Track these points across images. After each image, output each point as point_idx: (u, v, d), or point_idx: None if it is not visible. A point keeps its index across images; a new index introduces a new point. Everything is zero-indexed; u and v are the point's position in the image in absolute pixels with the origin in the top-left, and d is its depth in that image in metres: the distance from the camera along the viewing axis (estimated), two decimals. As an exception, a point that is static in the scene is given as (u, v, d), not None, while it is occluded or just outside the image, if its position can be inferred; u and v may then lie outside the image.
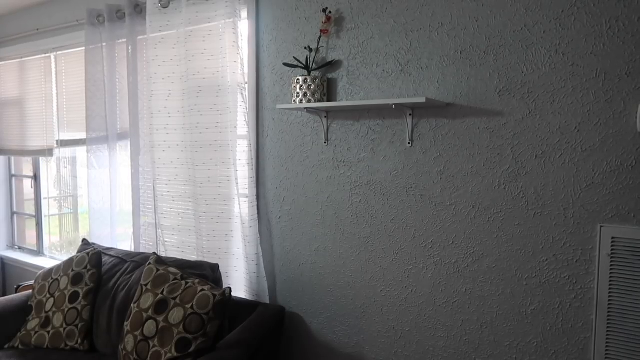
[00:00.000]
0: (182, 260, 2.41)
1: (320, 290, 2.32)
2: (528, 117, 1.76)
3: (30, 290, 2.65)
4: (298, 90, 2.15)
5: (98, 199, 3.17)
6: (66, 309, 2.42)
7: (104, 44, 2.99)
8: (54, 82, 3.56)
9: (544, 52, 1.72)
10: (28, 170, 4.09)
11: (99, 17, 2.99)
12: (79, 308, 2.41)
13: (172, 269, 2.23)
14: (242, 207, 2.47)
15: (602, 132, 1.64)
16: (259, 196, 2.50)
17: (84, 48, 3.07)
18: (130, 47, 2.87)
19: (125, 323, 2.19)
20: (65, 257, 2.82)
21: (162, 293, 2.14)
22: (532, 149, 1.76)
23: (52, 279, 2.56)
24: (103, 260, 2.59)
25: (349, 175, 2.20)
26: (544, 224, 1.75)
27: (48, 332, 2.41)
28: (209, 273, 2.32)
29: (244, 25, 2.48)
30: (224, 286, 2.49)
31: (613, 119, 1.62)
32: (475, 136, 1.88)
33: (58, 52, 3.52)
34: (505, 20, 1.79)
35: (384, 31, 2.06)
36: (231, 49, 2.40)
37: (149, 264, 2.29)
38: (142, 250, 2.86)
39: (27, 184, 4.07)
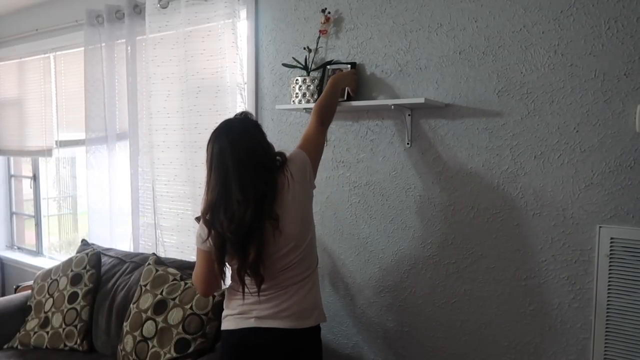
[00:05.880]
0: (181, 260, 2.41)
1: (320, 290, 2.32)
2: (527, 118, 1.76)
3: (29, 291, 2.65)
4: (297, 90, 2.15)
5: (97, 200, 3.16)
6: (65, 310, 2.41)
7: (103, 45, 2.99)
8: (53, 82, 3.56)
9: (542, 53, 1.72)
10: (27, 170, 4.09)
11: (98, 17, 2.99)
12: (78, 308, 2.41)
13: (171, 270, 2.23)
14: (241, 208, 2.46)
15: (600, 132, 1.64)
16: (258, 196, 2.49)
17: (83, 48, 3.07)
18: (129, 48, 2.86)
19: (125, 323, 2.19)
20: (64, 258, 2.81)
21: (161, 294, 2.14)
22: (530, 149, 1.76)
23: (51, 279, 2.56)
24: (102, 260, 2.59)
25: (347, 175, 2.20)
26: (542, 225, 1.75)
27: (47, 333, 2.41)
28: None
29: (243, 26, 2.47)
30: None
31: (612, 120, 1.62)
32: (474, 137, 1.87)
33: (57, 53, 3.51)
34: (504, 21, 1.79)
35: (383, 32, 2.06)
36: (230, 49, 2.39)
37: (148, 264, 2.28)
38: (141, 251, 2.85)
39: (26, 184, 4.07)
